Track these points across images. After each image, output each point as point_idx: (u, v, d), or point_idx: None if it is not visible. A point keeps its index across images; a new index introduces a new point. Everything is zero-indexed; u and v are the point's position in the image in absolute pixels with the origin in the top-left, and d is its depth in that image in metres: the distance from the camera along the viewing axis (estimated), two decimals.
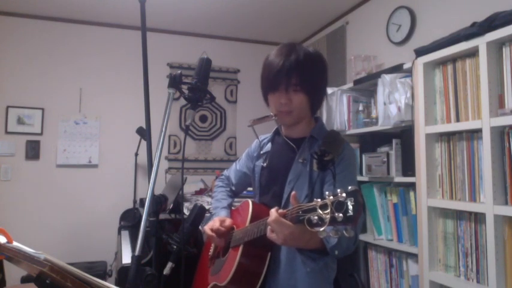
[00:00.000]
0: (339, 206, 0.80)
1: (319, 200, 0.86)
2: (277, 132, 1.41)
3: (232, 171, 1.59)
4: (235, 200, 1.60)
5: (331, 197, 0.82)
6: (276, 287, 1.20)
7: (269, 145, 1.41)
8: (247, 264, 1.19)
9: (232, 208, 1.51)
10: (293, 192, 1.01)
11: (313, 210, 0.86)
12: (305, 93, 1.21)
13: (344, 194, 0.80)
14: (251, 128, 1.33)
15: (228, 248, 1.31)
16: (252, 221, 1.24)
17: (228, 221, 1.36)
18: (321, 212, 0.83)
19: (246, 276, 1.18)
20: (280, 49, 1.23)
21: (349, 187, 0.81)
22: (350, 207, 0.79)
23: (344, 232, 0.80)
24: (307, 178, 1.20)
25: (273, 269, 1.21)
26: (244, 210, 1.33)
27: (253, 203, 1.31)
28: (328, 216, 0.81)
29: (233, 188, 1.59)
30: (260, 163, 1.39)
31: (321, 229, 0.82)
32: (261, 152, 1.42)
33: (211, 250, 1.47)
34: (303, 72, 1.18)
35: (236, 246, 1.24)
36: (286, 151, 1.31)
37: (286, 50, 1.21)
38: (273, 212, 1.01)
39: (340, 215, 0.79)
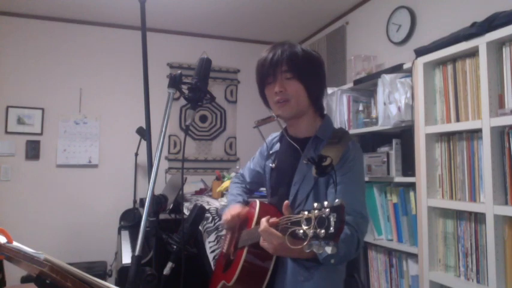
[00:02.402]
0: (321, 221, 0.78)
1: (305, 212, 0.84)
2: (284, 132, 1.41)
3: (246, 170, 1.61)
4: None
5: (316, 211, 0.80)
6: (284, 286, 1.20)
7: (278, 145, 1.42)
8: (252, 266, 1.20)
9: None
10: (286, 202, 1.00)
11: (298, 223, 0.84)
12: (299, 81, 1.21)
13: (327, 210, 0.78)
14: (252, 128, 1.35)
15: (237, 248, 1.33)
16: (257, 222, 1.24)
17: (241, 210, 1.39)
18: (304, 227, 0.82)
19: (251, 277, 1.19)
20: (269, 47, 1.28)
21: (336, 200, 0.78)
22: (332, 223, 0.76)
23: (326, 249, 0.77)
24: (312, 179, 1.19)
25: (281, 270, 1.21)
26: (253, 211, 1.34)
27: (260, 204, 1.31)
28: (311, 231, 0.79)
29: (248, 186, 1.61)
30: (269, 164, 1.40)
31: (304, 244, 0.80)
32: (270, 152, 1.42)
33: (225, 246, 1.48)
34: (291, 60, 1.20)
35: (242, 248, 1.25)
36: (292, 152, 1.30)
37: (274, 46, 1.26)
38: (263, 222, 1.01)
39: (322, 231, 0.77)
